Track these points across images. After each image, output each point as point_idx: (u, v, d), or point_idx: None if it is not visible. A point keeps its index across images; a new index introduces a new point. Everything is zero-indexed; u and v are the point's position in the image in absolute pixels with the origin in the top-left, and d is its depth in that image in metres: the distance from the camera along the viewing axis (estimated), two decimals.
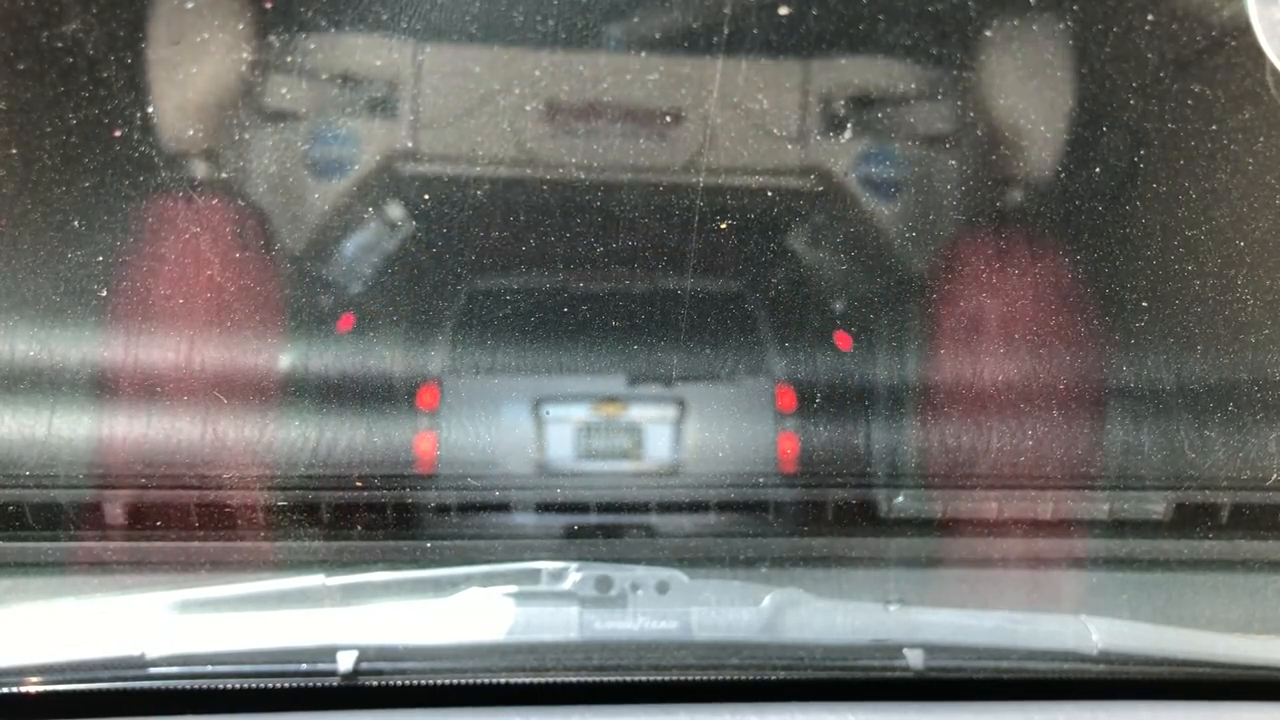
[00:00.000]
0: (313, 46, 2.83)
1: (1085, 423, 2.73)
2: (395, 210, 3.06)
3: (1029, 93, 2.92)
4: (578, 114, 2.94)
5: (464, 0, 2.75)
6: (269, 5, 2.72)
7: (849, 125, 3.11)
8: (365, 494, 2.62)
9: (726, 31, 2.65)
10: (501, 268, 2.92)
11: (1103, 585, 2.64)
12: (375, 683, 1.63)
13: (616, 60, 2.87)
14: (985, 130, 2.99)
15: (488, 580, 1.78)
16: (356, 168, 3.02)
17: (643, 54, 2.84)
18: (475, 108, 2.96)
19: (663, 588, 1.76)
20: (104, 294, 2.58)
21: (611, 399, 2.97)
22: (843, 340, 2.94)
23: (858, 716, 1.63)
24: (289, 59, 2.81)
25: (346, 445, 2.66)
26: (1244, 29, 2.17)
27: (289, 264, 2.92)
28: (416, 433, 2.83)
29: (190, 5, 2.64)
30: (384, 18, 2.79)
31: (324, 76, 2.93)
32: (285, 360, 2.72)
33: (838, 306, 3.04)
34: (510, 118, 2.94)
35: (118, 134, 2.60)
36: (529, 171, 2.94)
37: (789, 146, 3.07)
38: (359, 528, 2.59)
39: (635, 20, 2.82)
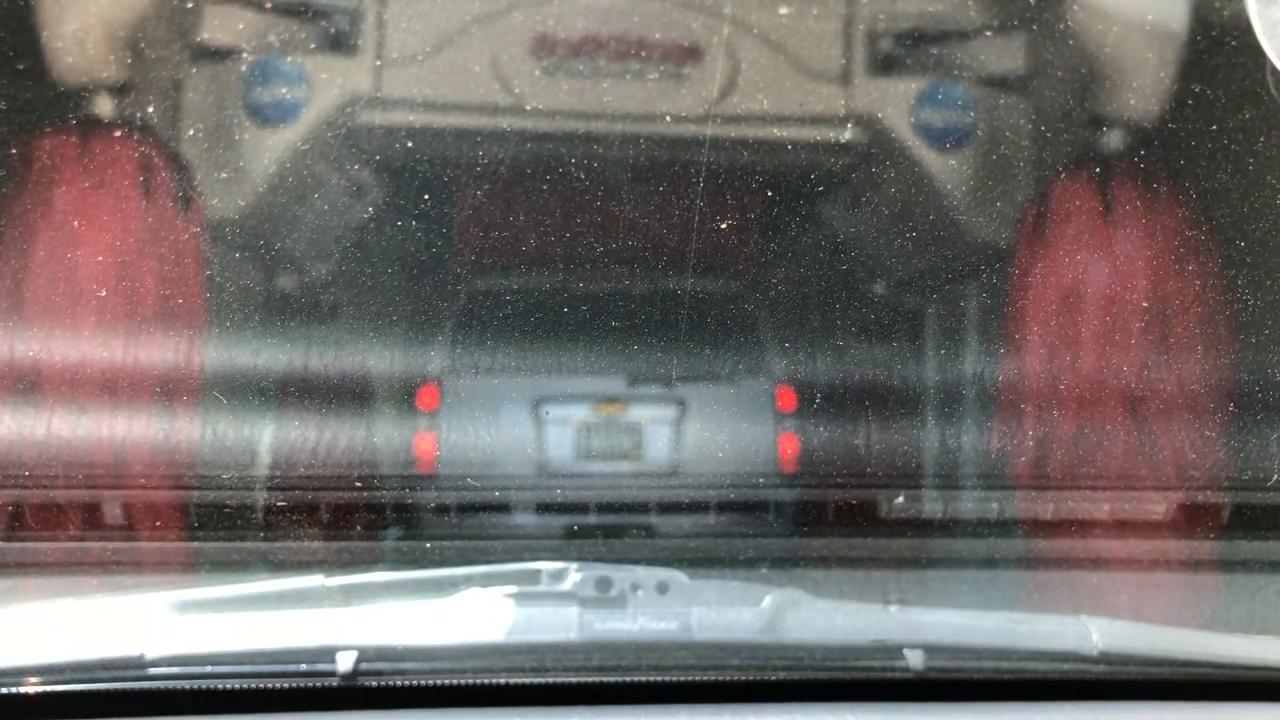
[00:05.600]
0: None
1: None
2: (356, 168, 2.70)
3: (1123, 21, 2.61)
4: (572, 50, 2.61)
5: None
6: None
7: (898, 64, 2.74)
8: (365, 494, 2.62)
9: None
10: (484, 233, 2.70)
11: (1103, 585, 2.64)
12: (375, 683, 1.63)
13: None
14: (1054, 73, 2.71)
15: (487, 581, 1.78)
16: (307, 114, 2.62)
17: None
18: (449, 42, 2.62)
19: (663, 588, 1.76)
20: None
21: (611, 399, 2.97)
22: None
23: (858, 717, 1.63)
24: None
25: (346, 445, 2.65)
26: (1244, 29, 2.17)
27: (272, 253, 2.79)
28: (416, 433, 2.83)
29: None
30: None
31: (272, 4, 2.57)
32: (284, 359, 2.72)
33: (856, 296, 2.87)
34: (490, 55, 2.63)
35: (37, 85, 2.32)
36: (513, 121, 2.61)
37: (824, 90, 2.70)
38: (359, 528, 2.59)
39: None
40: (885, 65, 2.80)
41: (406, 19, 2.69)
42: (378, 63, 2.67)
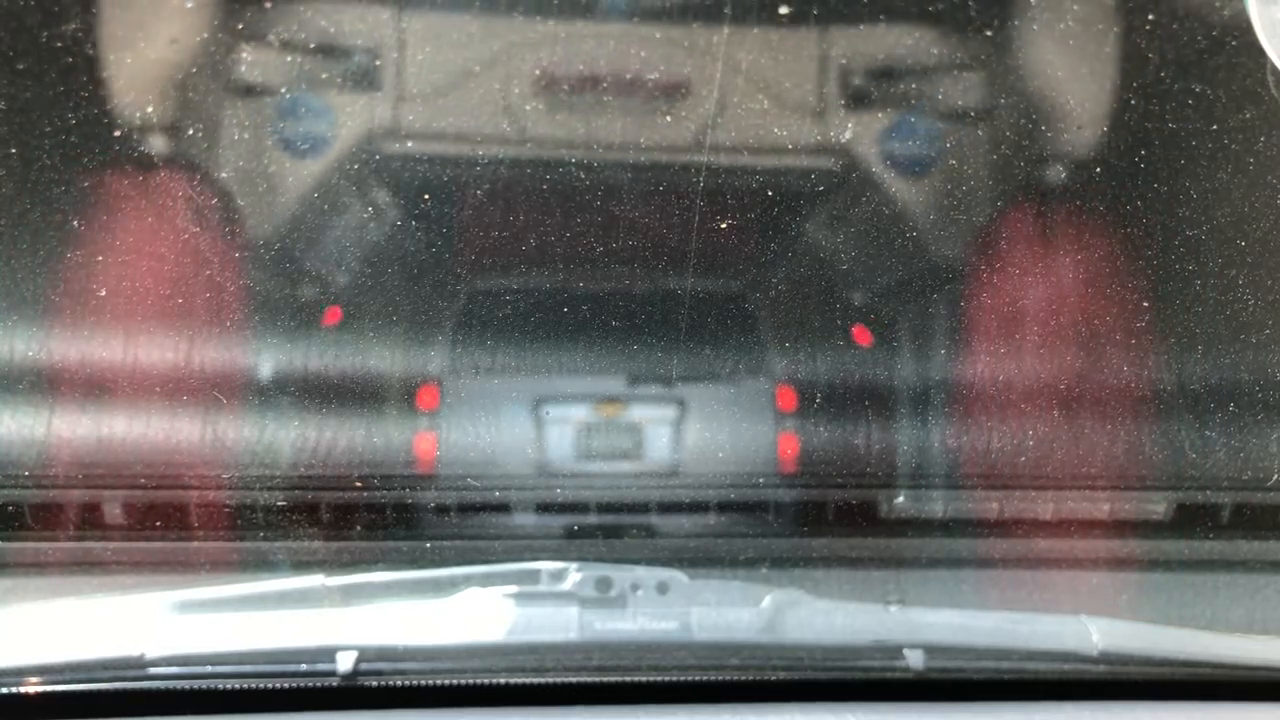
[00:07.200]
0: (286, 11, 2.69)
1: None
2: (378, 193, 2.90)
3: (1071, 60, 2.79)
4: (574, 86, 2.79)
5: None
6: None
7: (870, 99, 2.95)
8: (365, 494, 2.62)
9: None
10: (492, 254, 2.81)
11: (1103, 585, 2.64)
12: (375, 683, 1.64)
13: (616, 27, 2.73)
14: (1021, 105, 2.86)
15: (488, 580, 1.78)
16: (334, 146, 2.85)
17: (644, 20, 2.70)
18: (464, 80, 2.81)
19: (663, 588, 1.76)
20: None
21: (612, 399, 2.97)
22: (861, 335, 2.89)
23: (858, 717, 1.63)
24: (259, 24, 2.67)
25: (346, 445, 2.66)
26: (1244, 29, 2.17)
27: (272, 254, 2.85)
28: (416, 433, 2.83)
29: None
30: None
31: (298, 45, 2.76)
32: (283, 359, 2.72)
33: (854, 299, 2.96)
34: (502, 91, 2.81)
35: (68, 109, 2.47)
36: (522, 150, 2.80)
37: (804, 122, 2.91)
38: (359, 528, 2.59)
39: None
40: (859, 100, 2.96)
41: (423, 60, 2.86)
42: (397, 98, 2.87)
